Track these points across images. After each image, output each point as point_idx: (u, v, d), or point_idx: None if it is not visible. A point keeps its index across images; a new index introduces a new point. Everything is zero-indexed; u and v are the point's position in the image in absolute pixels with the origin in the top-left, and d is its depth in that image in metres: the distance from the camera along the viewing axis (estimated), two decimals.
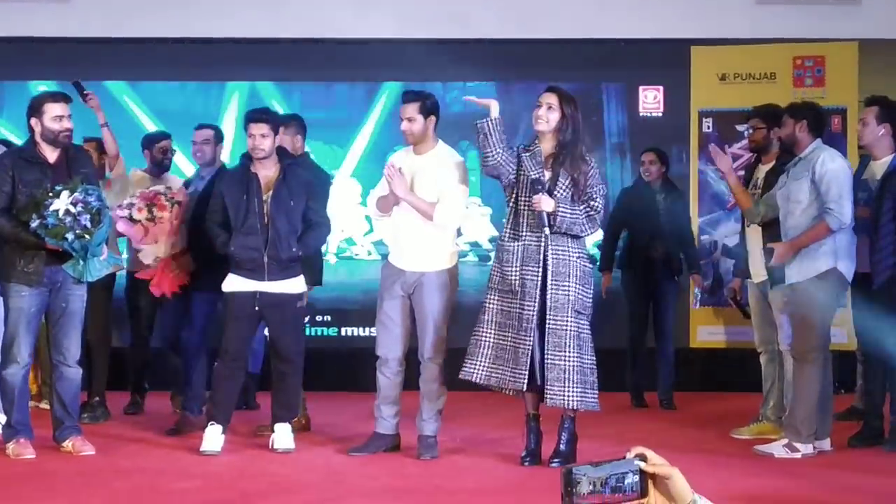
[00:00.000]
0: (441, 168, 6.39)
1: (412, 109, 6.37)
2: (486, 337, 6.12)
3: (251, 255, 6.48)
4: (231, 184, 6.66)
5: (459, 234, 7.82)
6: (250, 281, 6.52)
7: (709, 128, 8.85)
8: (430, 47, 9.09)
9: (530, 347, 6.00)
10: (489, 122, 6.08)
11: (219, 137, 7.45)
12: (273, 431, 6.56)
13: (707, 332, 8.78)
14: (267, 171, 6.58)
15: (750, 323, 7.36)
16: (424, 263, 6.38)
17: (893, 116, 6.65)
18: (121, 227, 6.92)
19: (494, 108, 6.13)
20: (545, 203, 5.99)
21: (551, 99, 6.16)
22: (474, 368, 6.12)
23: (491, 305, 6.14)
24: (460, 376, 6.18)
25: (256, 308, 6.54)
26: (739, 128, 8.42)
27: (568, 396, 5.99)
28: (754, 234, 7.08)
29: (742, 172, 7.70)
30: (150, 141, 7.93)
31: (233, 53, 9.34)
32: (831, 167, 6.39)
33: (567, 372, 5.98)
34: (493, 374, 6.10)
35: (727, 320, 8.42)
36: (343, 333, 9.40)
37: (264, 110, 6.89)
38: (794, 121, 6.60)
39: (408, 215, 6.39)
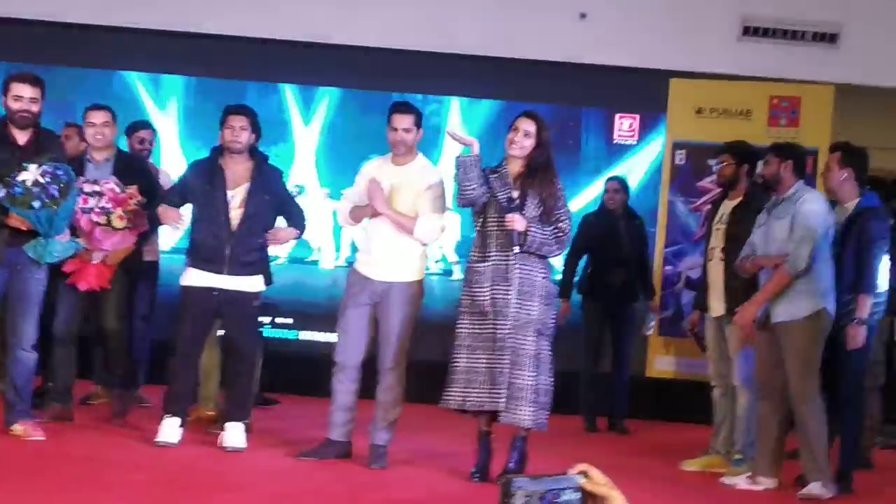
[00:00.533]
0: (422, 181, 6.41)
1: (409, 121, 6.41)
2: (459, 363, 6.13)
3: (213, 247, 6.49)
4: (198, 174, 6.67)
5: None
6: (208, 275, 6.51)
7: (682, 160, 8.92)
8: (412, 58, 9.15)
9: (507, 367, 6.01)
10: (470, 159, 6.11)
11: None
12: (223, 430, 6.57)
13: (664, 362, 8.83)
14: (237, 166, 6.59)
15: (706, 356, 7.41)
16: (393, 273, 6.40)
17: (856, 161, 6.71)
18: (86, 224, 6.59)
19: (476, 146, 6.16)
20: (518, 223, 6.03)
21: (529, 126, 6.20)
22: (450, 396, 6.13)
23: (462, 330, 6.16)
24: (440, 406, 6.18)
25: (213, 304, 6.54)
26: (711, 162, 8.47)
27: (521, 415, 6.03)
28: (715, 269, 7.12)
29: (709, 206, 7.80)
30: (131, 129, 7.90)
31: (214, 49, 9.34)
32: (806, 208, 6.42)
33: (523, 391, 6.02)
34: (468, 398, 6.09)
35: (684, 352, 8.47)
36: (303, 338, 9.40)
37: (245, 105, 6.90)
38: (780, 160, 6.59)
39: (380, 225, 6.40)
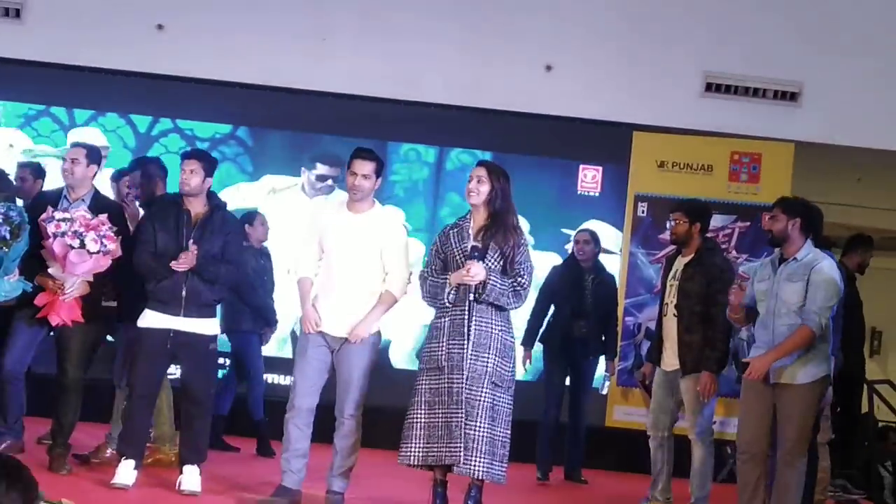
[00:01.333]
0: (380, 230, 6.40)
1: (369, 167, 6.38)
2: (417, 418, 6.11)
3: (170, 289, 6.48)
4: (159, 213, 6.68)
5: None
6: (165, 316, 6.51)
7: (643, 212, 9.02)
8: (377, 105, 9.23)
9: (462, 419, 6.00)
10: (444, 285, 6.15)
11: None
12: (181, 472, 6.57)
13: (623, 412, 8.90)
14: (196, 209, 6.63)
15: None
16: (352, 326, 6.37)
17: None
18: (59, 248, 6.46)
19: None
20: (477, 271, 6.07)
21: (481, 172, 6.25)
22: (409, 452, 6.09)
23: (420, 386, 6.14)
24: (398, 462, 6.14)
25: (169, 346, 6.54)
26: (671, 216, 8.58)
27: (474, 466, 6.01)
28: (669, 323, 7.20)
29: (663, 262, 7.92)
30: (117, 175, 7.79)
31: (180, 92, 9.39)
32: (827, 277, 6.32)
33: (476, 441, 6.00)
34: (430, 453, 6.06)
35: (643, 402, 8.53)
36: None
37: (199, 150, 6.93)
38: (788, 217, 6.40)
39: (337, 274, 6.37)
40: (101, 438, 7.19)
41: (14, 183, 7.45)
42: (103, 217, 6.60)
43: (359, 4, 9.43)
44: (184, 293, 6.48)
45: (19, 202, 6.86)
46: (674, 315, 7.10)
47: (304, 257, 6.52)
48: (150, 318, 6.54)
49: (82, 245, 6.44)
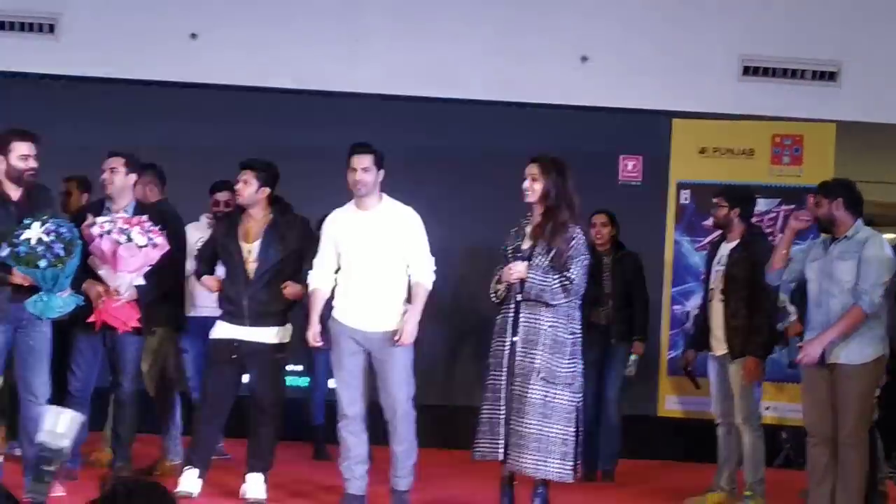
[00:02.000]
0: (394, 223, 6.36)
1: (367, 160, 6.36)
2: (482, 415, 6.17)
3: (233, 300, 6.57)
4: (221, 227, 6.82)
5: None
6: (232, 327, 6.56)
7: (686, 199, 8.98)
8: (416, 104, 9.22)
9: (503, 416, 6.03)
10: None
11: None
12: (244, 481, 6.57)
13: (674, 401, 8.85)
14: (252, 219, 6.65)
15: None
16: (382, 323, 6.33)
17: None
18: (108, 246, 6.43)
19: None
20: (513, 272, 6.07)
21: (533, 170, 6.22)
22: (477, 447, 6.16)
23: (486, 382, 6.20)
24: (473, 458, 6.19)
25: (235, 356, 6.56)
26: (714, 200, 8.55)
27: (523, 463, 6.01)
28: (716, 309, 7.20)
29: (708, 248, 7.91)
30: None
31: (218, 99, 9.39)
32: (879, 254, 6.29)
33: (524, 438, 5.99)
34: (478, 448, 6.14)
35: (695, 391, 8.45)
36: None
37: (253, 159, 6.88)
38: (829, 200, 6.39)
39: (358, 270, 6.35)
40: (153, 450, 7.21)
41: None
42: (143, 217, 6.63)
43: (391, 4, 9.41)
44: (245, 302, 6.51)
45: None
46: (720, 300, 7.12)
47: (317, 269, 6.50)
48: (218, 329, 6.60)
49: (129, 240, 6.44)
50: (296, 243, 6.65)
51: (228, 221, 6.81)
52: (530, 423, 6.00)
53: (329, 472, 7.08)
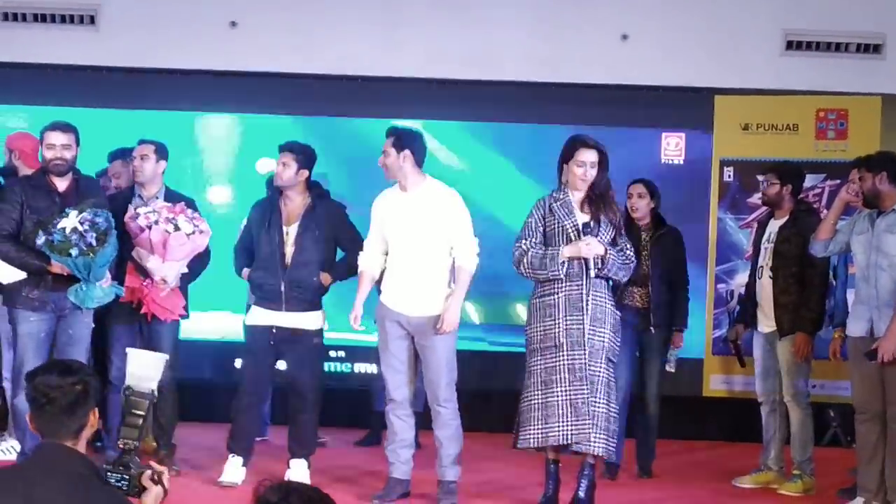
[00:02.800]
0: (435, 205, 6.31)
1: (386, 144, 6.35)
2: (534, 399, 6.04)
3: (269, 284, 6.55)
4: (257, 213, 6.79)
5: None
6: (268, 312, 6.57)
7: (730, 177, 8.90)
8: (456, 87, 9.20)
9: (587, 396, 5.95)
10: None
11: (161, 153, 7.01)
12: (288, 467, 6.60)
13: (720, 380, 8.79)
14: (291, 202, 6.65)
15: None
16: (426, 307, 6.29)
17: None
18: (157, 235, 6.48)
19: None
20: (596, 247, 6.02)
21: (593, 157, 6.18)
22: (529, 435, 6.02)
23: (535, 367, 6.07)
24: (517, 446, 6.09)
25: (272, 343, 6.57)
26: (760, 178, 8.46)
27: (595, 443, 5.97)
28: (765, 286, 7.17)
29: (756, 224, 7.86)
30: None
31: (257, 87, 9.41)
32: None
33: (597, 419, 5.96)
34: (550, 434, 5.98)
35: (740, 370, 8.38)
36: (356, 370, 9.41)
37: (292, 142, 6.89)
38: (873, 174, 6.31)
39: (403, 255, 6.32)
40: None
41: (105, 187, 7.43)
42: (182, 204, 6.68)
43: None
44: (282, 289, 6.52)
45: None
46: (769, 277, 7.10)
47: (366, 249, 6.50)
48: (254, 315, 6.62)
49: (177, 228, 6.48)
50: (333, 229, 6.66)
51: (264, 206, 6.81)
52: (600, 403, 5.99)
53: (375, 458, 7.10)
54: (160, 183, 6.92)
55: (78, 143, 6.48)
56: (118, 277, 6.56)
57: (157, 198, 6.82)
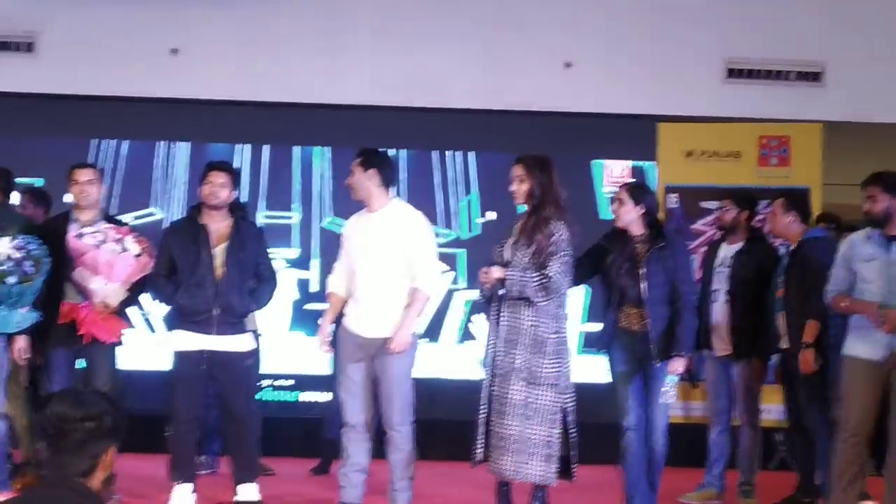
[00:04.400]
0: (399, 226, 6.22)
1: (354, 164, 6.28)
2: (477, 417, 6.09)
3: (200, 308, 6.39)
4: (179, 235, 6.57)
5: None
6: (198, 336, 6.41)
7: (674, 203, 8.92)
8: (402, 114, 9.17)
9: (485, 417, 5.98)
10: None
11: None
12: (235, 494, 6.47)
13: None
14: (217, 223, 6.52)
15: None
16: (385, 329, 6.17)
17: (799, 205, 6.90)
18: (106, 257, 6.36)
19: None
20: (490, 273, 6.01)
21: (518, 171, 6.13)
22: (473, 451, 6.08)
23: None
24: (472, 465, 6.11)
25: (204, 367, 6.43)
26: (704, 204, 8.53)
27: (504, 465, 5.92)
28: (720, 310, 7.21)
29: (703, 248, 7.93)
30: None
31: (206, 115, 9.32)
32: None
33: (505, 440, 5.91)
34: (476, 451, 6.07)
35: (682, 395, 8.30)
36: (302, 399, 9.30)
37: (225, 161, 6.85)
38: (890, 196, 6.11)
39: (367, 276, 6.22)
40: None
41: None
42: (126, 227, 6.59)
43: (371, 16, 9.35)
44: (215, 313, 6.38)
45: None
46: (725, 302, 7.12)
47: (334, 272, 6.43)
48: (182, 340, 6.44)
49: (125, 249, 6.35)
50: (254, 251, 6.56)
51: (185, 228, 6.60)
52: (511, 425, 5.91)
53: (325, 486, 7.00)
54: (98, 207, 6.78)
55: None
56: (55, 300, 6.40)
57: (95, 222, 6.67)
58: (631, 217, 6.42)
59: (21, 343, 6.40)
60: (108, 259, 6.29)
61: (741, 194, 7.46)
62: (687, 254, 6.66)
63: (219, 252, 6.45)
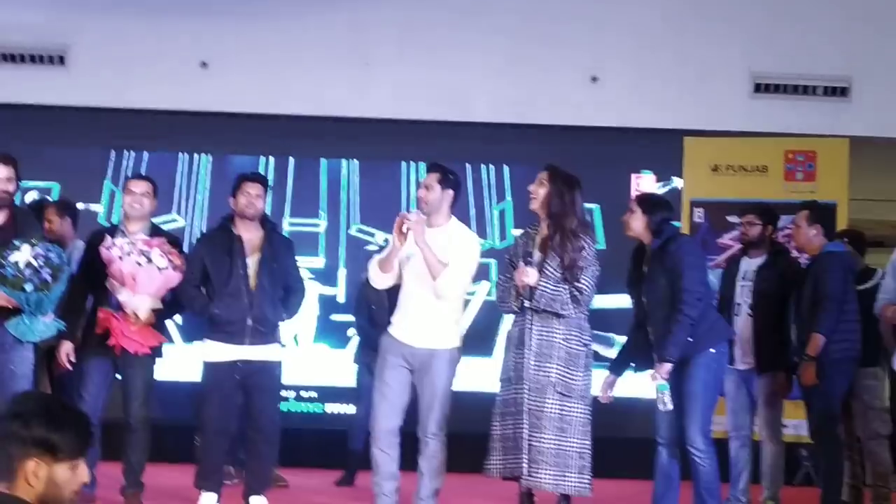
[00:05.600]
0: (453, 243, 6.25)
1: (432, 178, 6.28)
2: (495, 431, 6.07)
3: (234, 317, 6.43)
4: (212, 245, 6.61)
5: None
6: (231, 346, 6.45)
7: (700, 217, 8.94)
8: (426, 128, 9.22)
9: (526, 431, 5.94)
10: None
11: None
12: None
13: None
14: (250, 234, 6.58)
15: None
16: (435, 340, 6.22)
17: (824, 217, 6.82)
18: (129, 268, 6.30)
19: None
20: (527, 275, 5.97)
21: (542, 175, 6.16)
22: (491, 464, 6.07)
23: (497, 398, 6.12)
24: (483, 473, 6.11)
25: (237, 377, 6.48)
26: (730, 219, 8.52)
27: (541, 478, 5.93)
28: (743, 323, 7.18)
29: (723, 265, 7.93)
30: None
31: (231, 127, 9.40)
32: None
33: (543, 454, 5.91)
34: (507, 465, 6.01)
35: None
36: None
37: (259, 173, 6.90)
38: None
39: (416, 289, 6.26)
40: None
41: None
42: (161, 238, 6.57)
43: (398, 30, 9.42)
44: (249, 323, 6.44)
45: None
46: (748, 315, 7.11)
47: (371, 266, 6.46)
48: (215, 350, 6.48)
49: (149, 261, 6.38)
50: (285, 262, 6.62)
51: (218, 238, 6.64)
52: (549, 438, 5.94)
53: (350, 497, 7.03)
54: (147, 220, 6.82)
55: (19, 178, 6.36)
56: (61, 313, 6.43)
57: (142, 233, 6.72)
58: (638, 226, 6.31)
59: (66, 347, 6.48)
60: (131, 270, 6.33)
61: (763, 208, 7.43)
62: (693, 256, 6.36)
63: (252, 262, 6.51)
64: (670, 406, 6.10)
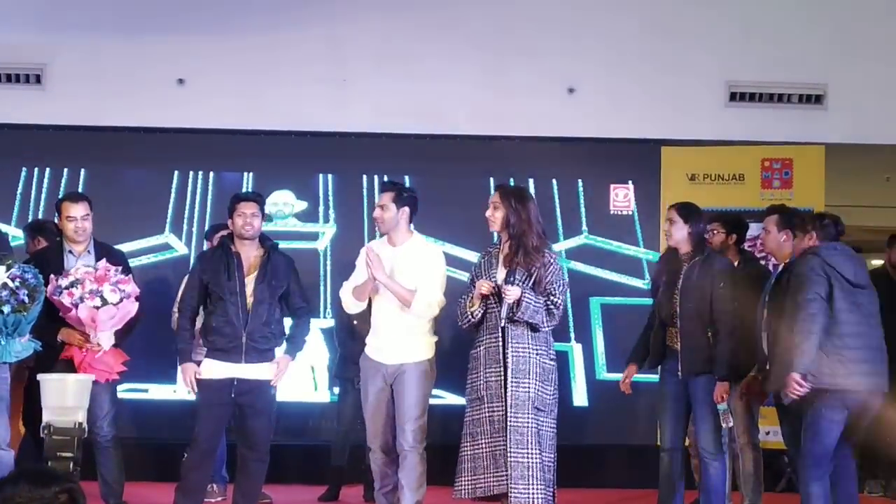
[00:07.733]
0: (418, 259, 6.41)
1: (386, 198, 6.43)
2: (464, 451, 6.13)
3: (231, 335, 6.47)
4: (211, 264, 6.67)
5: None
6: (227, 364, 6.49)
7: None
8: (404, 142, 9.22)
9: (506, 448, 5.99)
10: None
11: None
12: None
13: None
14: (249, 253, 6.62)
15: None
16: (405, 355, 6.38)
17: (792, 223, 6.73)
18: (86, 314, 6.41)
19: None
20: (512, 292, 6.02)
21: (494, 198, 6.29)
22: (461, 485, 6.11)
23: (465, 419, 6.18)
24: (452, 496, 6.17)
25: (232, 395, 6.50)
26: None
27: (533, 495, 5.98)
28: None
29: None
30: (214, 231, 7.80)
31: (210, 144, 9.39)
32: None
33: (531, 469, 5.98)
34: (478, 485, 6.06)
35: None
36: None
37: (254, 192, 6.98)
38: None
39: (386, 308, 6.38)
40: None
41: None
42: (105, 263, 6.58)
43: (375, 45, 9.42)
44: (244, 341, 6.46)
45: None
46: None
47: (344, 292, 6.55)
48: (211, 368, 6.51)
49: (104, 301, 6.39)
50: (286, 281, 6.64)
51: (217, 256, 6.72)
52: (532, 454, 5.99)
53: None
54: (90, 239, 6.85)
55: None
56: (52, 329, 6.43)
57: (88, 252, 6.74)
58: (681, 235, 6.65)
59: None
60: (88, 315, 6.36)
61: (729, 217, 7.51)
62: (722, 271, 6.64)
63: (250, 281, 6.53)
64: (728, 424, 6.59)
